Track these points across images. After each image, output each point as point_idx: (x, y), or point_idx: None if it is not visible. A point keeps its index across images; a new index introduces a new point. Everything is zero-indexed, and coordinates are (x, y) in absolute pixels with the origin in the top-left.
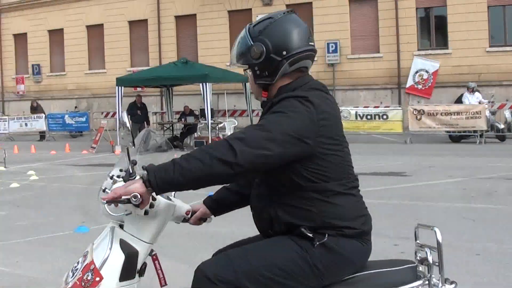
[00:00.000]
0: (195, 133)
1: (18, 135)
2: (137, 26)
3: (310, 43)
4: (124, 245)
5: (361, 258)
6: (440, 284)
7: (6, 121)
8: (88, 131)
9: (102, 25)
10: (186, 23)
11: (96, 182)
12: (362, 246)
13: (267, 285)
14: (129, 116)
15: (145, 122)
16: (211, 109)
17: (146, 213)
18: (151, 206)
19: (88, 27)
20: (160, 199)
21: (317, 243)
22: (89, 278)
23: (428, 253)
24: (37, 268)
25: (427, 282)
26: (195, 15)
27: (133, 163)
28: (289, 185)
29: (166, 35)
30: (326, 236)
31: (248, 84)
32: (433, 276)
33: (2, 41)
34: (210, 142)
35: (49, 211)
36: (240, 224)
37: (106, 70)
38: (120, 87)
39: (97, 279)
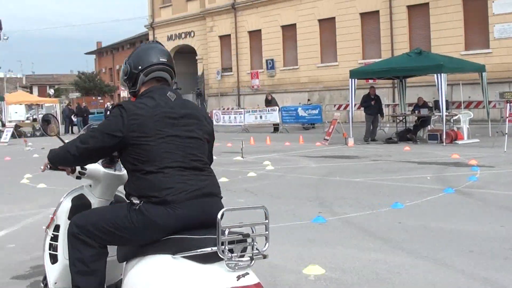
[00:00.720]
0: (429, 126)
1: (253, 127)
2: (369, 18)
3: (161, 59)
4: (80, 197)
5: (167, 221)
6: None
7: (242, 113)
8: (320, 123)
9: (334, 18)
10: (418, 12)
11: (331, 174)
12: (168, 212)
13: (105, 232)
14: None
15: (378, 114)
16: (446, 101)
17: (78, 177)
18: (82, 174)
19: (320, 21)
20: (96, 169)
21: (135, 207)
22: (50, 216)
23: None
24: (276, 256)
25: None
26: (427, 3)
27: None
28: (127, 166)
29: (398, 25)
30: (141, 202)
31: (484, 74)
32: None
33: (238, 38)
34: (444, 135)
35: (286, 200)
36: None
37: (338, 63)
38: (353, 80)
39: (52, 217)
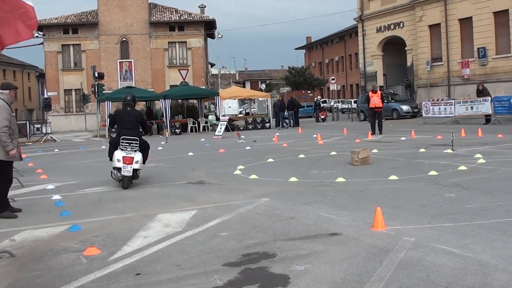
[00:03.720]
0: None
1: (463, 118)
2: None
3: (127, 99)
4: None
5: (118, 137)
6: None
7: (452, 104)
8: None
9: None
10: None
11: None
12: (118, 135)
13: (110, 142)
14: None
15: None
16: None
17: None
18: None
19: None
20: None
21: (115, 133)
22: None
23: None
24: (487, 252)
25: None
26: None
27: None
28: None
29: None
30: (115, 132)
31: None
32: None
33: (448, 26)
34: None
35: (498, 196)
36: None
37: None
38: None
39: None
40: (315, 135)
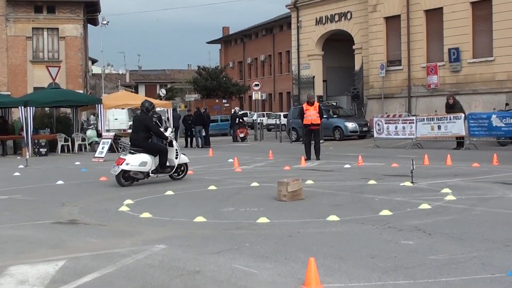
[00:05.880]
0: None
1: (427, 141)
2: None
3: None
4: None
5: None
6: None
7: (413, 122)
8: None
9: None
10: None
11: None
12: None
13: None
14: None
15: None
16: None
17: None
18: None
19: None
20: None
21: None
22: None
23: None
24: None
25: None
26: None
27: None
28: None
29: None
30: None
31: None
32: None
33: (410, 20)
34: None
35: (472, 244)
36: None
37: None
38: None
39: None
40: (231, 160)
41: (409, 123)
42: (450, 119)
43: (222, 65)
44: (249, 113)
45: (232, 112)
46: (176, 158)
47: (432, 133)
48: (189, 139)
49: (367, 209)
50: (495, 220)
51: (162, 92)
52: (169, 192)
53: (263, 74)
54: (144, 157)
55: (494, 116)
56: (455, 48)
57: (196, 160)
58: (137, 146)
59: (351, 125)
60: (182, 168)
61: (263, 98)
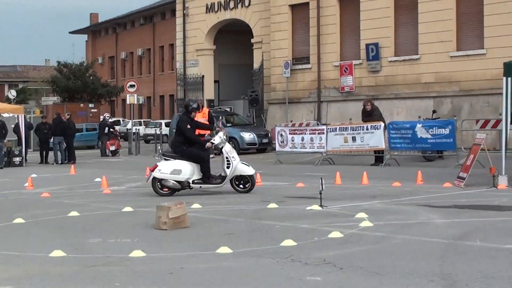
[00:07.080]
0: None
1: (340, 155)
2: None
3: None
4: None
5: None
6: None
7: (323, 133)
8: (453, 151)
9: None
10: None
11: (468, 236)
12: None
13: None
14: None
15: None
16: None
17: None
18: None
19: None
20: None
21: None
22: None
23: None
24: None
25: None
26: None
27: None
28: None
29: None
30: None
31: None
32: None
33: (321, 8)
34: None
35: (392, 280)
36: None
37: (485, 50)
38: (509, 79)
39: None
40: (98, 179)
41: (319, 133)
42: (367, 129)
43: (88, 61)
44: (122, 120)
45: (101, 120)
46: (228, 167)
47: (346, 146)
48: (44, 153)
49: (266, 239)
50: (418, 250)
51: (12, 93)
52: (19, 220)
53: (141, 73)
54: (178, 164)
55: (419, 125)
56: (374, 44)
57: (53, 179)
58: (172, 151)
59: (248, 136)
60: (246, 180)
61: (140, 102)
